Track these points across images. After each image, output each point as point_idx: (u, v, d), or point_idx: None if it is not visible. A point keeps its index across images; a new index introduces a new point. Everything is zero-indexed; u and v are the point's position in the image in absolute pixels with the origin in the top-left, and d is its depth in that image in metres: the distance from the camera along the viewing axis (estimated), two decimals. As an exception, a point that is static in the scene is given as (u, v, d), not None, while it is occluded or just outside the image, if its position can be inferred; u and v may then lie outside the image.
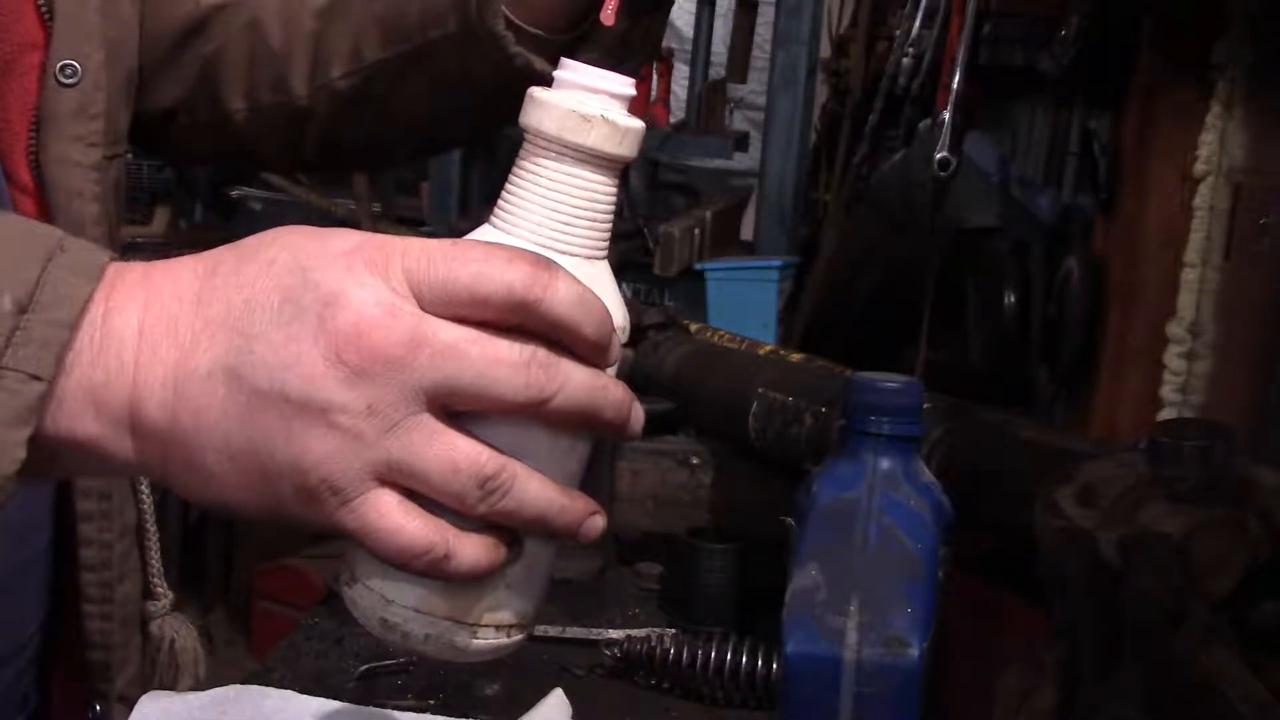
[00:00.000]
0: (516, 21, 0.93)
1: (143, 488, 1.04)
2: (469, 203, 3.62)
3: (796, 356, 1.55)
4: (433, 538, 0.58)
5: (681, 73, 4.32)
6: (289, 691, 0.95)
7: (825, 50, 3.57)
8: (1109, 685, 0.69)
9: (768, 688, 0.99)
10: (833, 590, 0.76)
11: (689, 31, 4.31)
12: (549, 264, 0.59)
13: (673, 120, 3.97)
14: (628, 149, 0.64)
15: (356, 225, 3.67)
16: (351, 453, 0.56)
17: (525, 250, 0.60)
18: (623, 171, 0.65)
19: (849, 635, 0.74)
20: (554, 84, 0.64)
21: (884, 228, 2.19)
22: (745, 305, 3.13)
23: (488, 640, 0.63)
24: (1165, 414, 1.44)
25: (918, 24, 2.10)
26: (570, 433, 0.62)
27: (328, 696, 0.95)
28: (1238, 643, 0.66)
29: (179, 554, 3.80)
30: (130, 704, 0.99)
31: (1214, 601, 0.66)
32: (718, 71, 4.09)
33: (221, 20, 1.05)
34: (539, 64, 0.92)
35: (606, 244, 0.65)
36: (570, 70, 0.63)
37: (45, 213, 0.88)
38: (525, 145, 0.64)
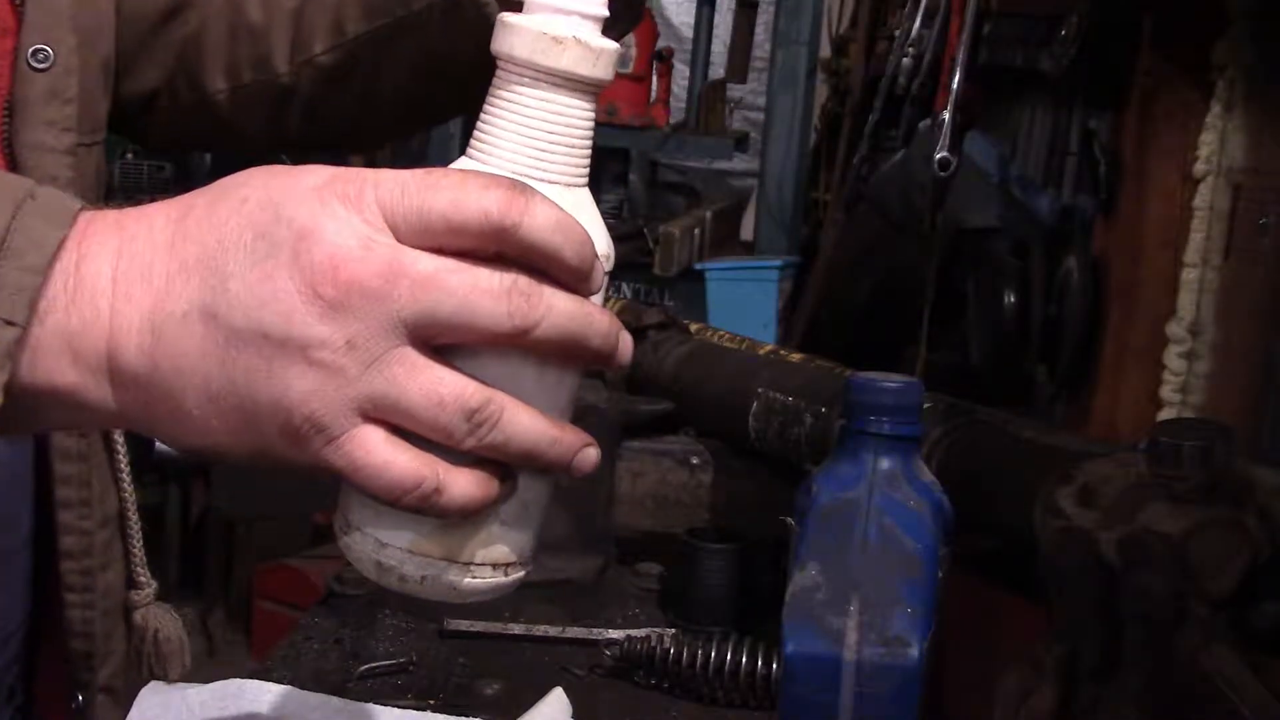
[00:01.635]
0: None
1: (124, 475, 1.04)
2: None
3: (796, 356, 1.55)
4: (422, 471, 0.57)
5: (681, 73, 4.33)
6: (290, 687, 0.95)
7: (825, 50, 3.57)
8: (1109, 685, 0.69)
9: (768, 688, 0.99)
10: (833, 590, 0.76)
11: (689, 31, 4.32)
12: (525, 188, 0.57)
13: (673, 120, 3.97)
14: (603, 71, 0.62)
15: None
16: (334, 388, 0.56)
17: (501, 176, 0.58)
18: (597, 95, 0.63)
19: (849, 635, 0.74)
20: (524, 7, 0.62)
21: (884, 228, 2.19)
22: (745, 305, 3.14)
23: (485, 579, 0.62)
24: (1165, 414, 1.44)
25: (918, 24, 2.10)
26: (558, 363, 0.60)
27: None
28: (1238, 643, 0.66)
29: (179, 554, 3.81)
30: (115, 695, 0.98)
31: (1214, 601, 0.66)
32: (718, 71, 4.09)
33: (200, 0, 1.04)
34: None
35: (586, 170, 0.63)
36: None
37: None
38: (499, 73, 0.62)
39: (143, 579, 1.06)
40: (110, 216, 0.59)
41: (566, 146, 0.62)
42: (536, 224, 0.57)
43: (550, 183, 0.61)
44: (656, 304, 3.26)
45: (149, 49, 1.04)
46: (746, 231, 3.99)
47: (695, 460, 1.24)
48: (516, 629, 1.09)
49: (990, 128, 2.05)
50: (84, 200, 0.73)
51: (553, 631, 1.09)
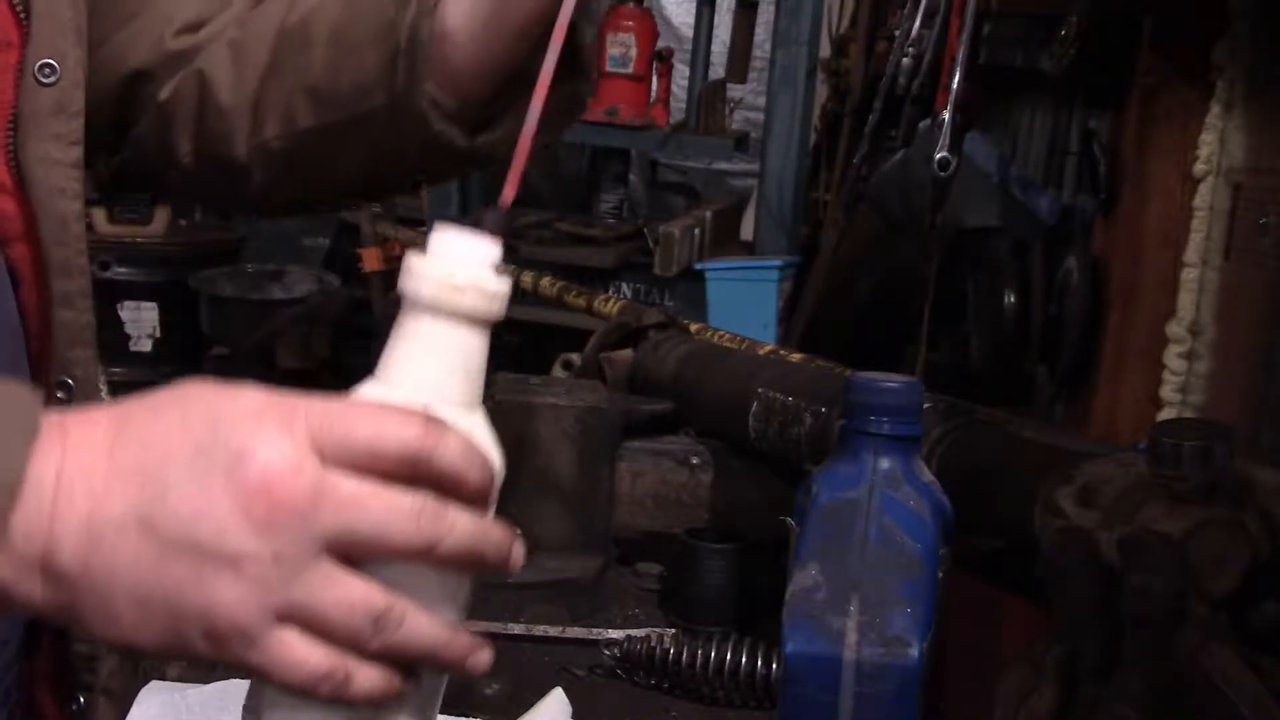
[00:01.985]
0: (439, 98, 0.96)
1: None
2: (469, 202, 3.62)
3: (796, 356, 1.55)
4: (334, 663, 0.62)
5: (681, 73, 4.32)
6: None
7: (825, 50, 3.57)
8: (1109, 685, 0.69)
9: (768, 688, 0.99)
10: (833, 590, 0.76)
11: (689, 31, 4.32)
12: (438, 422, 0.64)
13: (673, 120, 3.96)
14: (498, 309, 0.69)
15: (356, 226, 3.67)
16: (258, 598, 0.61)
17: (415, 409, 0.65)
18: (490, 327, 0.70)
19: (849, 635, 0.74)
20: (428, 252, 0.69)
21: (884, 228, 2.19)
22: (745, 305, 3.13)
23: None
24: (1165, 414, 1.44)
25: (918, 24, 2.10)
26: (456, 571, 0.67)
27: (328, 696, 0.95)
28: (1238, 643, 0.66)
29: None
30: (113, 697, 0.98)
31: (1214, 601, 0.66)
32: (718, 71, 4.09)
33: (175, 69, 1.05)
34: (460, 139, 0.96)
35: (481, 392, 0.70)
36: (442, 239, 0.69)
37: (26, 210, 0.88)
38: (406, 307, 0.69)
39: None
40: (55, 422, 0.63)
41: (465, 373, 0.69)
42: (447, 454, 0.64)
43: (451, 405, 0.68)
44: (656, 304, 3.26)
45: (120, 102, 1.05)
46: (746, 231, 3.98)
47: (695, 460, 1.24)
48: (516, 629, 1.09)
49: (990, 128, 2.06)
50: (86, 209, 0.76)
51: (553, 631, 1.09)
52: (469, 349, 0.69)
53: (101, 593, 0.61)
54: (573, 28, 0.95)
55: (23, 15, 0.87)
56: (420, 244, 0.72)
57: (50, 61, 0.88)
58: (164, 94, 1.05)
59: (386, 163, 1.03)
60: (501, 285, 0.69)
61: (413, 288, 0.68)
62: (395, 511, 0.62)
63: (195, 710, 0.93)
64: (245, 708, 0.68)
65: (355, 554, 0.63)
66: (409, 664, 0.65)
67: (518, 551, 0.67)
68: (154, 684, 0.96)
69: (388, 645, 0.63)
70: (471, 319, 0.68)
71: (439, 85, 0.95)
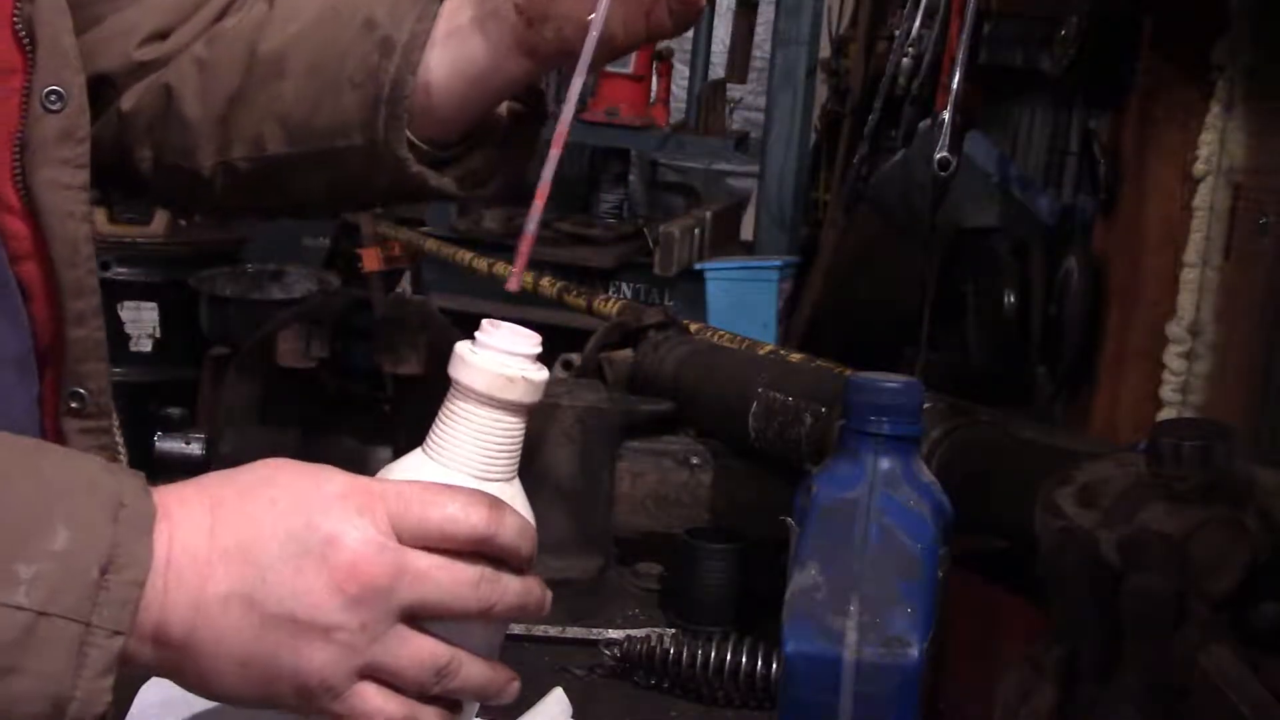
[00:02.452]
0: (417, 142, 1.00)
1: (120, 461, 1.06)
2: (468, 204, 3.62)
3: (796, 356, 1.55)
4: (405, 711, 0.73)
5: (681, 73, 4.32)
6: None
7: (825, 50, 3.57)
8: (1109, 685, 0.69)
9: (768, 688, 0.99)
10: (833, 590, 0.76)
11: (689, 31, 4.31)
12: (499, 504, 0.75)
13: (673, 120, 3.96)
14: (540, 395, 0.79)
15: (356, 226, 3.67)
16: (346, 661, 0.71)
17: (476, 492, 0.76)
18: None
19: (849, 635, 0.74)
20: (478, 343, 0.78)
21: (884, 228, 2.19)
22: (745, 305, 3.13)
23: None
24: (1165, 414, 1.44)
25: (918, 24, 2.10)
26: (501, 623, 0.79)
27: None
28: (1238, 643, 0.66)
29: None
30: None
31: (1214, 601, 0.66)
32: (718, 71, 4.09)
33: (138, 78, 1.06)
34: (434, 179, 1.01)
35: (518, 465, 0.80)
36: (491, 333, 0.78)
37: (37, 233, 0.89)
38: (456, 392, 0.78)
39: None
40: (158, 506, 0.71)
41: (510, 453, 0.79)
42: (507, 533, 0.75)
43: (497, 481, 0.78)
44: (656, 304, 3.26)
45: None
46: (746, 231, 3.98)
47: (695, 460, 1.24)
48: (516, 629, 1.09)
49: (990, 128, 2.05)
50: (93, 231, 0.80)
51: (553, 631, 1.09)
52: (515, 431, 0.79)
53: (208, 658, 0.71)
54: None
55: (26, 42, 0.89)
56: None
57: (57, 89, 0.90)
58: (126, 104, 1.06)
59: (354, 189, 1.06)
60: (543, 375, 0.79)
61: (465, 379, 0.77)
62: (461, 585, 0.74)
63: (195, 709, 0.93)
64: None
65: (422, 616, 0.73)
66: (457, 701, 0.77)
67: (548, 598, 0.79)
68: (154, 681, 0.96)
69: (448, 690, 0.75)
70: (518, 407, 0.78)
71: (415, 129, 0.99)
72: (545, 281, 2.99)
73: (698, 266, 3.34)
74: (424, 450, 0.80)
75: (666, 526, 1.22)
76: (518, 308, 3.39)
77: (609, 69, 3.63)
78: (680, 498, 1.23)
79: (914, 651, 0.73)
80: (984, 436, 1.01)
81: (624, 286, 3.50)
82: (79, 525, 0.68)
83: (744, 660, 1.00)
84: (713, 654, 1.00)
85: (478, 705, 0.81)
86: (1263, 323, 1.33)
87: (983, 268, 1.93)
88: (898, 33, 2.21)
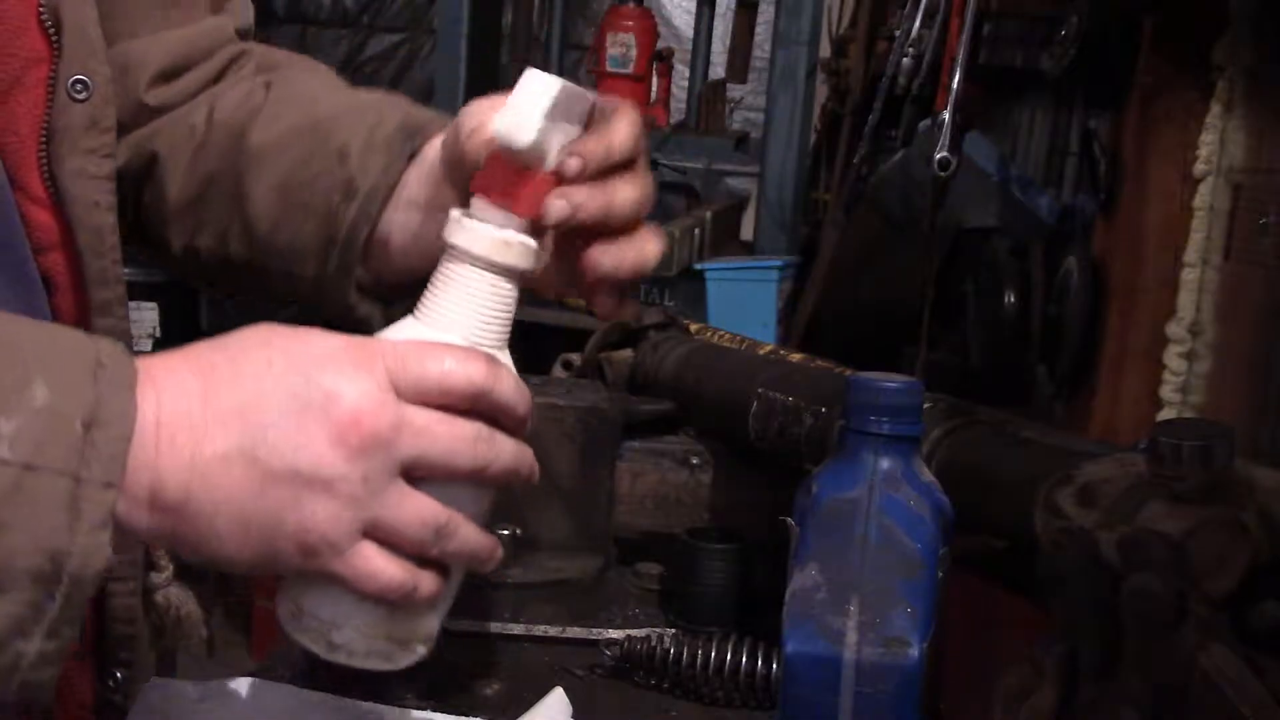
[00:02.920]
0: (365, 283, 1.01)
1: None
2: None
3: (796, 356, 1.55)
4: (406, 576, 0.74)
5: (681, 73, 4.32)
6: (290, 686, 0.95)
7: (825, 50, 3.57)
8: (1109, 685, 0.69)
9: (768, 688, 0.99)
10: (833, 590, 0.76)
11: (689, 31, 4.31)
12: (495, 361, 0.75)
13: (673, 120, 3.96)
14: (537, 264, 0.80)
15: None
16: (349, 515, 0.71)
17: (472, 349, 0.76)
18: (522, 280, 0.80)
19: (849, 635, 0.74)
20: (473, 208, 0.79)
21: (884, 228, 2.19)
22: (745, 305, 3.13)
23: (414, 654, 0.80)
24: (1165, 414, 1.44)
25: (918, 24, 2.10)
26: (491, 487, 0.78)
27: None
28: (1238, 643, 0.66)
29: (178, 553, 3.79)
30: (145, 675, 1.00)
31: (1214, 601, 0.66)
32: (718, 72, 4.09)
33: (142, 122, 1.08)
34: (379, 318, 1.03)
35: (510, 334, 0.80)
36: (485, 201, 0.78)
37: (63, 223, 0.90)
38: (451, 257, 0.78)
39: (162, 561, 1.13)
40: (141, 368, 0.71)
41: (504, 319, 0.79)
42: (504, 389, 0.75)
43: (490, 348, 0.78)
44: (656, 304, 3.26)
45: None
46: (746, 231, 3.98)
47: (695, 460, 1.24)
48: (516, 629, 1.09)
49: (990, 128, 2.06)
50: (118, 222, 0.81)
51: (553, 631, 1.09)
52: (509, 298, 0.79)
53: (206, 519, 0.70)
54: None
55: (53, 32, 0.89)
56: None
57: (83, 78, 0.90)
58: (120, 158, 1.06)
59: (307, 307, 1.07)
60: (534, 243, 0.79)
61: (464, 242, 0.78)
62: (459, 440, 0.73)
63: (196, 709, 0.93)
64: (284, 599, 0.77)
65: (420, 474, 0.73)
66: (446, 566, 0.76)
67: (537, 471, 0.80)
68: (154, 681, 0.96)
69: (444, 552, 0.75)
70: (513, 272, 0.78)
71: (367, 270, 1.01)
72: (545, 281, 2.99)
73: (698, 266, 3.33)
74: (415, 316, 0.80)
75: (666, 526, 1.22)
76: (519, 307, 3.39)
77: (609, 69, 3.63)
78: (680, 498, 1.23)
79: (914, 651, 0.73)
80: (984, 436, 1.01)
81: (624, 286, 3.50)
82: (59, 384, 0.67)
83: (744, 660, 1.00)
84: (713, 654, 1.00)
85: (462, 577, 0.80)
86: (1263, 323, 1.33)
87: (983, 268, 1.93)
88: (898, 33, 2.22)
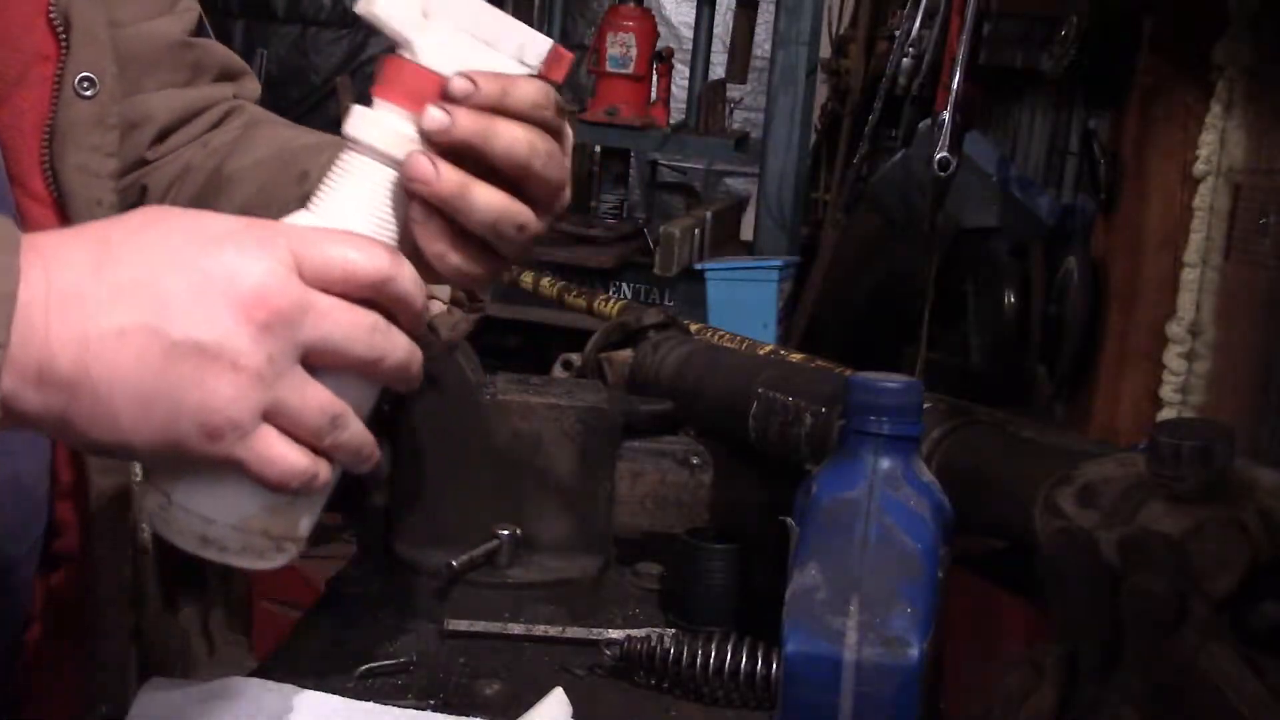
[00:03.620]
0: None
1: (137, 474, 1.08)
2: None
3: (796, 356, 1.55)
4: (309, 462, 0.70)
5: (681, 73, 4.32)
6: (290, 686, 0.95)
7: (825, 50, 3.57)
8: (1109, 685, 0.69)
9: (768, 688, 0.99)
10: (833, 590, 0.76)
11: (689, 31, 4.31)
12: (397, 252, 0.73)
13: (673, 120, 3.96)
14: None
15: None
16: (253, 394, 0.67)
17: (376, 241, 0.74)
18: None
19: (849, 635, 0.74)
20: (373, 104, 0.76)
21: (884, 228, 2.19)
22: (745, 305, 3.13)
23: (286, 552, 0.78)
24: (1165, 414, 1.44)
25: (918, 24, 2.10)
26: (377, 385, 0.76)
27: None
28: (1238, 643, 0.66)
29: (178, 553, 3.80)
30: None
31: (1214, 601, 0.66)
32: (718, 71, 4.09)
33: (133, 170, 1.08)
34: None
35: (399, 238, 0.78)
36: (381, 99, 0.76)
37: (64, 221, 0.90)
38: (351, 149, 0.76)
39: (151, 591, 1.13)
40: (29, 241, 0.67)
41: (400, 217, 0.77)
42: (404, 282, 0.72)
43: (391, 241, 0.76)
44: (656, 304, 3.26)
45: None
46: (746, 231, 3.98)
47: (695, 460, 1.24)
48: (516, 629, 1.08)
49: (990, 128, 2.06)
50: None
51: (553, 631, 1.09)
52: (404, 196, 0.76)
53: (101, 397, 0.65)
54: None
55: (60, 30, 0.90)
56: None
57: (90, 75, 0.91)
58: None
59: None
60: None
61: (366, 135, 0.76)
62: (359, 328, 0.70)
63: (195, 709, 0.93)
64: (152, 492, 0.74)
65: (317, 363, 0.70)
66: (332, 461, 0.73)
67: (422, 375, 0.76)
68: (154, 681, 0.96)
69: (337, 443, 0.71)
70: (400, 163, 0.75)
71: None
72: (545, 281, 2.99)
73: (698, 266, 3.33)
74: (309, 209, 0.77)
75: (666, 526, 1.22)
76: (519, 307, 3.39)
77: (609, 69, 3.63)
78: (680, 498, 1.23)
79: (914, 651, 0.73)
80: (984, 436, 1.01)
81: (624, 286, 3.50)
82: None
83: (744, 660, 1.00)
84: (713, 654, 1.00)
85: (339, 475, 0.76)
86: (1263, 323, 1.33)
87: (983, 268, 1.93)
88: (898, 33, 2.22)
